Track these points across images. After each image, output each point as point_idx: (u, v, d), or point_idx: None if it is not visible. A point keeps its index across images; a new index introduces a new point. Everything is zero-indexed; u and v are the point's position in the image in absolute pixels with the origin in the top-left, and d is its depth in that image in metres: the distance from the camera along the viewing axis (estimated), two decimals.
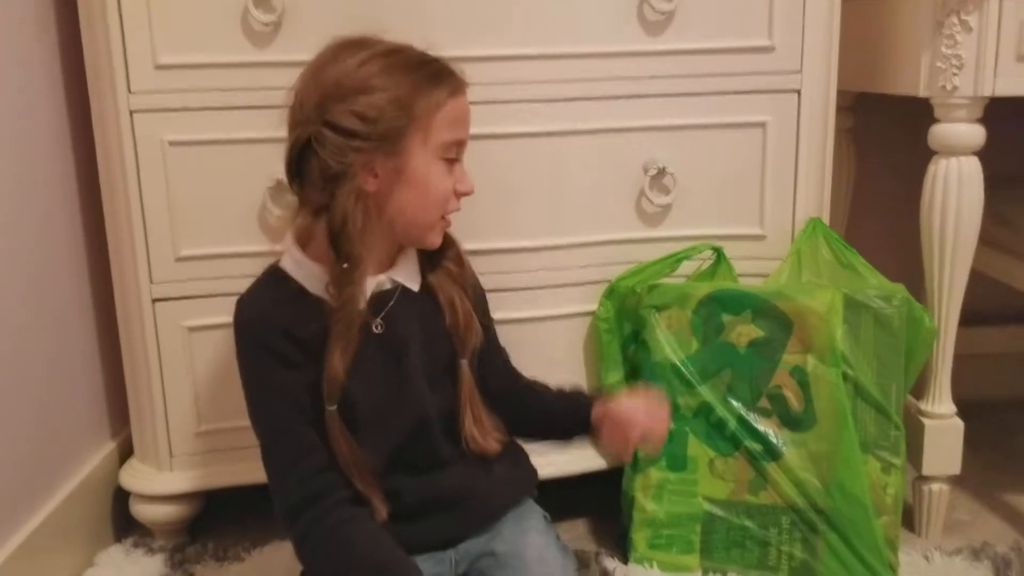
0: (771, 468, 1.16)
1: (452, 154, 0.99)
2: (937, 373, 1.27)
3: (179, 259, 1.24)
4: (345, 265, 0.93)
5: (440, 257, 1.05)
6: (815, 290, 1.19)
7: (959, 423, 1.27)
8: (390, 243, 1.02)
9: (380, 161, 0.94)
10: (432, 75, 0.96)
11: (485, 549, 1.03)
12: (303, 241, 1.00)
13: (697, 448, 1.19)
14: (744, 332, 1.19)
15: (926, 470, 1.28)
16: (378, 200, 0.96)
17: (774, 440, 1.17)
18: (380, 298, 1.00)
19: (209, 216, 1.24)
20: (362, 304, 0.96)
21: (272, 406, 0.98)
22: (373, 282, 1.00)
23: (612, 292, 1.26)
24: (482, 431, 1.04)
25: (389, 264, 1.03)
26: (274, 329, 0.97)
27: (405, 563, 0.93)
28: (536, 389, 1.15)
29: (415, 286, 1.03)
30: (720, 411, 1.18)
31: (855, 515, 1.13)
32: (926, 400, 1.29)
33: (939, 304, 1.25)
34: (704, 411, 1.19)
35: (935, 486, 1.29)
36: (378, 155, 0.94)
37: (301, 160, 0.96)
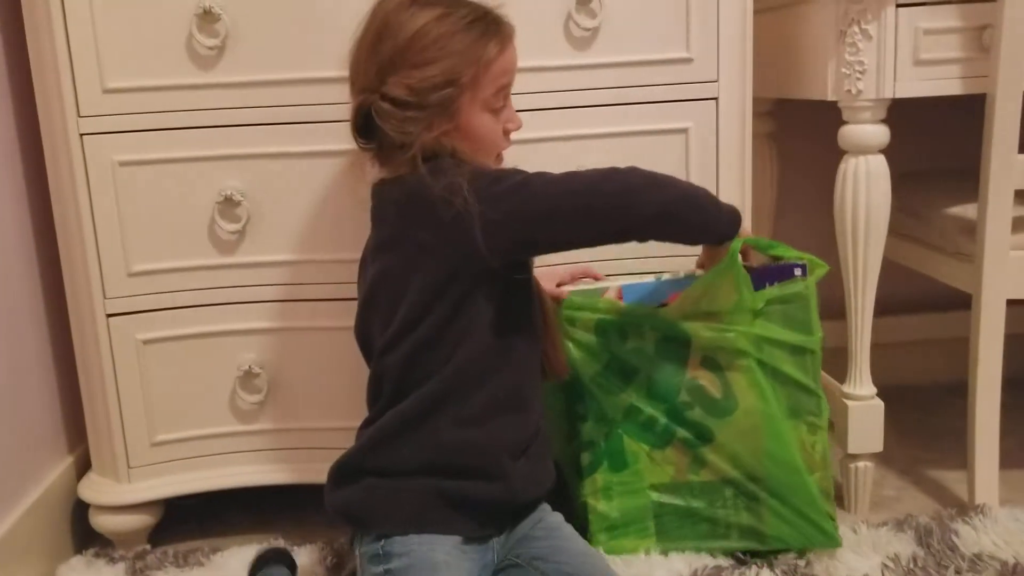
0: (706, 450, 1.23)
1: (500, 103, 1.05)
2: (857, 358, 1.36)
3: (131, 274, 1.29)
4: None
5: None
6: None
7: (879, 403, 1.36)
8: None
9: (436, 123, 1.01)
10: (482, 35, 1.01)
11: (524, 534, 1.08)
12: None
13: (633, 445, 1.24)
14: (649, 335, 1.23)
15: (851, 448, 1.36)
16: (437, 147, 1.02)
17: (704, 426, 1.22)
18: None
19: (160, 232, 1.28)
20: None
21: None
22: None
23: None
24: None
25: None
26: None
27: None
28: None
29: None
30: (647, 411, 1.23)
31: (789, 478, 1.20)
32: (848, 384, 1.37)
33: (855, 293, 1.33)
34: (633, 412, 1.23)
35: (861, 463, 1.37)
36: (433, 119, 1.00)
37: (368, 122, 1.01)
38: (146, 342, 1.30)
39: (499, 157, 1.09)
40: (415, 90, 0.98)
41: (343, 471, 1.05)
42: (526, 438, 1.08)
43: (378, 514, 1.02)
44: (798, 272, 1.20)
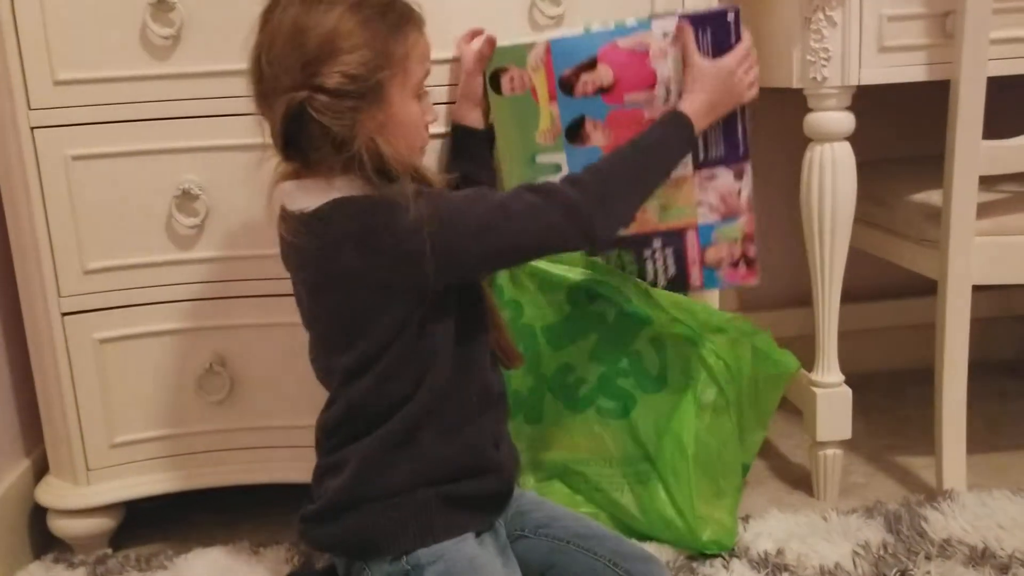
0: (618, 424, 1.26)
1: (422, 89, 1.03)
2: (824, 345, 1.36)
3: (87, 272, 1.25)
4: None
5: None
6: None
7: (847, 390, 1.36)
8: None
9: (373, 111, 0.97)
10: (401, 17, 1.00)
11: (515, 510, 1.11)
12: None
13: (552, 403, 1.29)
14: (611, 308, 1.26)
15: (820, 436, 1.36)
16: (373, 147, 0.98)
17: (630, 395, 1.26)
18: None
19: (116, 227, 1.25)
20: None
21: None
22: None
23: None
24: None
25: None
26: None
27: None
28: None
29: None
30: (580, 372, 1.27)
31: (680, 466, 1.24)
32: (816, 371, 1.37)
33: (822, 281, 1.33)
34: (564, 371, 1.28)
35: (829, 451, 1.37)
36: (371, 107, 0.97)
37: (298, 127, 0.96)
38: (103, 341, 1.27)
39: (422, 151, 1.08)
40: (351, 76, 0.95)
41: (335, 506, 1.03)
42: (503, 425, 1.11)
43: (390, 534, 1.01)
44: (731, 17, 1.16)
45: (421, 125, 1.04)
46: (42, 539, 1.34)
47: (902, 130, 1.72)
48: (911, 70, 1.28)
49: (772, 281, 1.82)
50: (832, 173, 1.30)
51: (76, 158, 1.22)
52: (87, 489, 1.29)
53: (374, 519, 1.01)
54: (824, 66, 1.27)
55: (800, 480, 1.44)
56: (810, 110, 1.31)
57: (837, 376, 1.36)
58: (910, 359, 1.78)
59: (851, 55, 1.27)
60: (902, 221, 1.42)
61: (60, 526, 1.31)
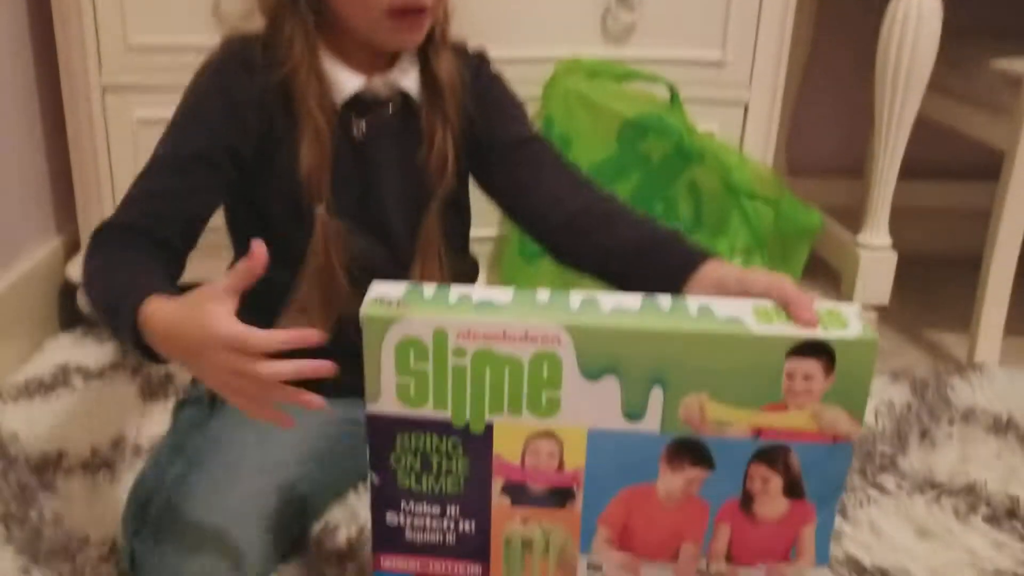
0: None
1: None
2: (876, 206, 1.32)
3: (130, 48, 1.21)
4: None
5: (433, 68, 0.91)
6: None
7: (893, 254, 1.33)
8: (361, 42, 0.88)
9: None
10: None
11: None
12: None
13: None
14: (661, 146, 1.23)
15: (857, 299, 1.34)
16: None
17: None
18: (368, 102, 0.90)
19: (161, 3, 1.20)
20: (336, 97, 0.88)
21: (189, 132, 0.88)
22: (357, 81, 0.88)
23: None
24: None
25: (385, 65, 0.90)
26: (243, 87, 0.87)
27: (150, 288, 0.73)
28: (626, 214, 0.88)
29: (415, 94, 0.91)
30: None
31: None
32: (864, 232, 1.34)
33: (886, 136, 1.28)
34: None
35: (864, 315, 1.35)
36: None
37: None
38: (142, 122, 1.24)
39: (398, 18, 0.84)
40: None
41: None
42: None
43: None
44: None
45: None
46: (71, 317, 1.35)
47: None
48: None
49: (823, 146, 1.77)
50: (915, 28, 1.23)
51: None
52: None
53: None
54: None
55: None
56: None
57: (885, 239, 1.33)
58: (955, 244, 1.74)
59: None
60: (979, 87, 1.35)
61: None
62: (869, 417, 1.17)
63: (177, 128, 0.88)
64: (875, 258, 1.32)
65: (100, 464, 1.01)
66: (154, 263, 0.81)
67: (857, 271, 1.33)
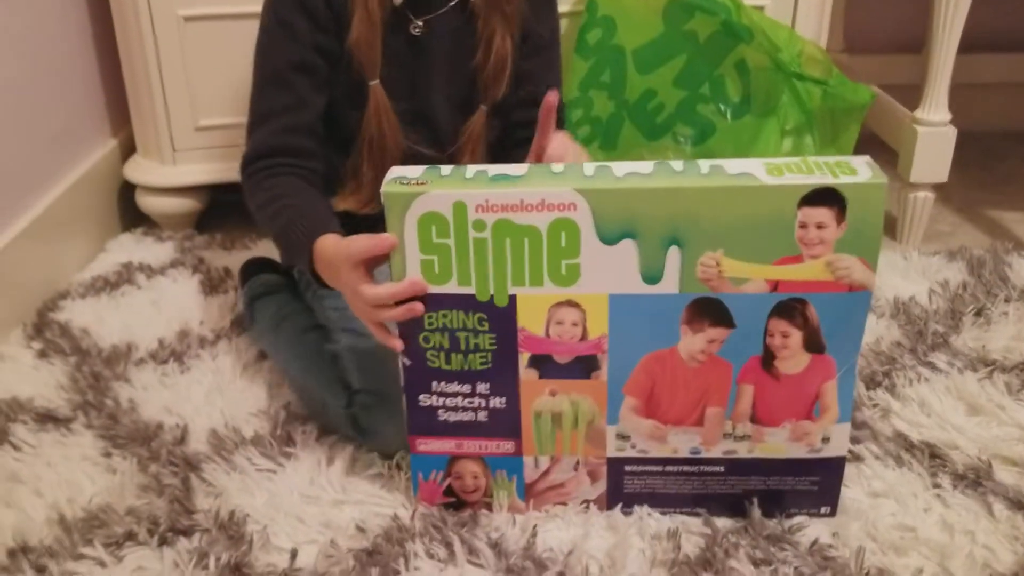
0: (692, 152, 1.24)
1: None
2: (935, 82, 1.27)
3: None
4: None
5: None
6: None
7: (952, 130, 1.28)
8: None
9: None
10: None
11: None
12: None
13: (630, 131, 1.26)
14: (708, 24, 1.20)
15: (914, 177, 1.30)
16: None
17: (709, 122, 1.23)
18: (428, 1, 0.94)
19: None
20: None
21: (280, 48, 0.92)
22: None
23: None
24: None
25: None
26: None
27: (324, 217, 0.85)
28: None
29: None
30: (662, 97, 1.23)
31: None
32: (922, 108, 1.29)
33: (944, 13, 1.22)
34: (645, 97, 1.24)
35: (920, 194, 1.32)
36: None
37: None
38: (187, 19, 1.24)
39: None
40: None
41: None
42: None
43: None
44: None
45: None
46: (131, 217, 1.39)
47: None
48: None
49: (883, 22, 1.70)
50: None
51: None
52: (173, 169, 1.32)
53: None
54: None
55: (884, 225, 1.40)
56: None
57: (944, 115, 1.29)
58: (1018, 119, 1.67)
59: None
60: None
61: (148, 203, 1.35)
62: (923, 297, 1.16)
63: (265, 48, 0.94)
64: (933, 134, 1.28)
65: (168, 355, 1.05)
66: (303, 185, 0.90)
67: (914, 148, 1.29)
